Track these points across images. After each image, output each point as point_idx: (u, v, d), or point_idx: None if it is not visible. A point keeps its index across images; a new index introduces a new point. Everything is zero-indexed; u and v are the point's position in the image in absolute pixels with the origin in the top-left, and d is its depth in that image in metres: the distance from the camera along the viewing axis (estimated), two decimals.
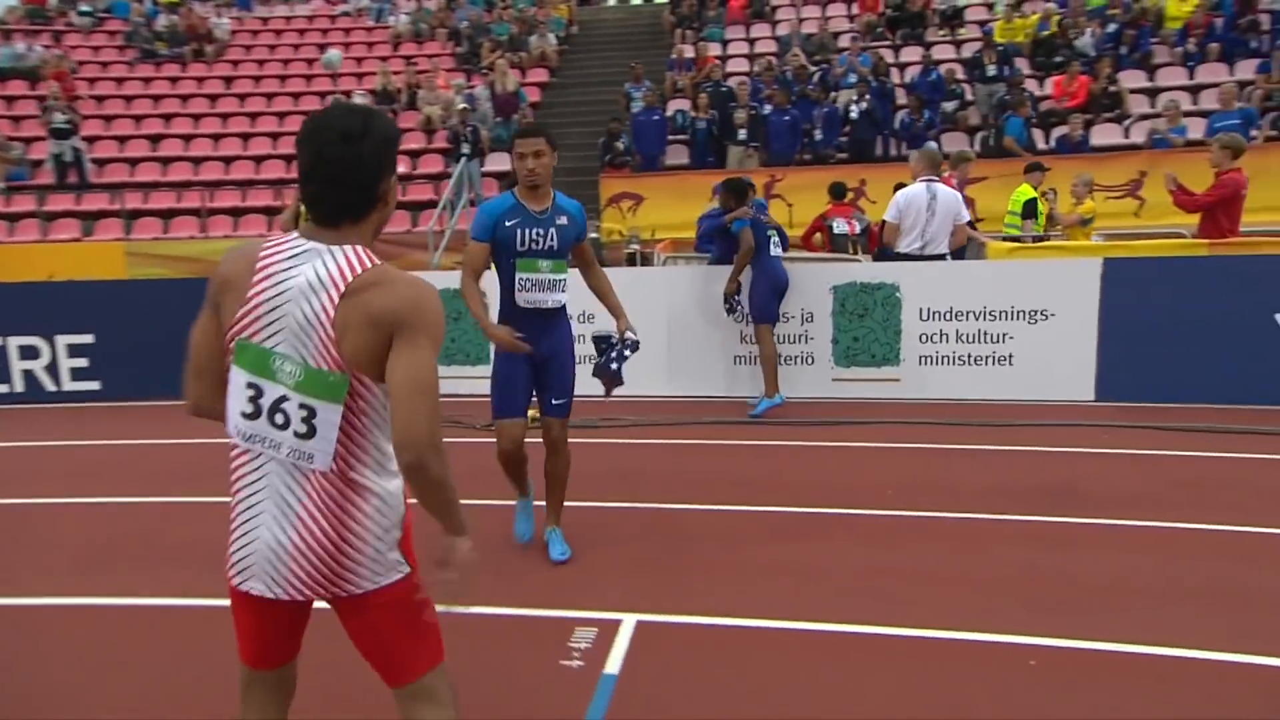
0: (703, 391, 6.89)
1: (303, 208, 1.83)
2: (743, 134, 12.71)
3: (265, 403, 1.75)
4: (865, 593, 3.40)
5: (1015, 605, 3.24)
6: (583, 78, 17.07)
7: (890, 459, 5.18)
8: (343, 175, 1.71)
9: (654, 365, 6.96)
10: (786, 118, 12.58)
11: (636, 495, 4.59)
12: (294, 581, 1.76)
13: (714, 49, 16.23)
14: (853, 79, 13.67)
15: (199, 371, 1.86)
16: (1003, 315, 6.25)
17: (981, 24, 16.11)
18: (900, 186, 6.81)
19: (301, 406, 1.73)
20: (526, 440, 3.78)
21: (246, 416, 1.77)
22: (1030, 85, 13.39)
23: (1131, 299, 5.94)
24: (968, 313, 6.32)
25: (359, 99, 15.55)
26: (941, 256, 6.40)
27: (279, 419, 1.74)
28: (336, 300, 1.69)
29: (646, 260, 11.70)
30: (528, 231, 3.60)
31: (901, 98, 13.30)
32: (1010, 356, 6.26)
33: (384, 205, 1.79)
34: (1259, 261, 6.04)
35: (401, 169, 14.08)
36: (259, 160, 15.31)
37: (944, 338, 6.41)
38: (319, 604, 1.85)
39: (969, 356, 6.36)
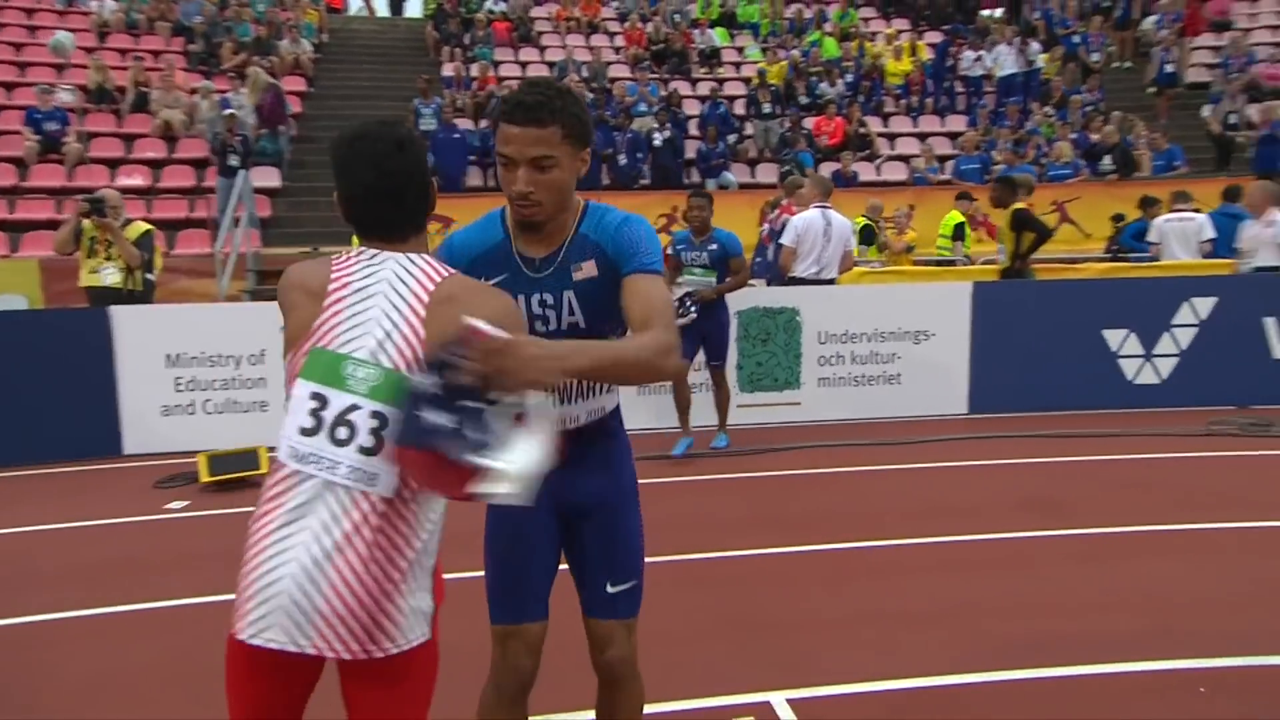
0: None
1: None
2: None
3: (329, 415, 1.58)
4: (995, 633, 3.34)
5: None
6: (342, 89, 15.80)
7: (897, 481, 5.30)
8: (407, 185, 1.67)
9: None
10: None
11: (668, 545, 4.21)
12: (326, 632, 1.51)
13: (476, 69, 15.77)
14: (643, 107, 14.08)
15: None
16: (891, 336, 6.72)
17: (736, 65, 17.44)
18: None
19: (373, 415, 1.56)
20: None
21: (304, 432, 1.58)
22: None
23: (996, 319, 6.68)
24: (861, 335, 6.69)
25: (65, 95, 13.05)
26: (832, 281, 6.73)
27: (341, 433, 1.56)
28: (426, 304, 1.62)
29: None
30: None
31: (692, 128, 13.93)
32: (899, 375, 6.73)
33: (424, 230, 1.74)
34: (1088, 285, 7.12)
35: (139, 180, 12.01)
36: None
37: (840, 360, 6.72)
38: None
39: (863, 377, 6.74)
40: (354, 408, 1.57)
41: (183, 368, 6.24)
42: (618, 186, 12.73)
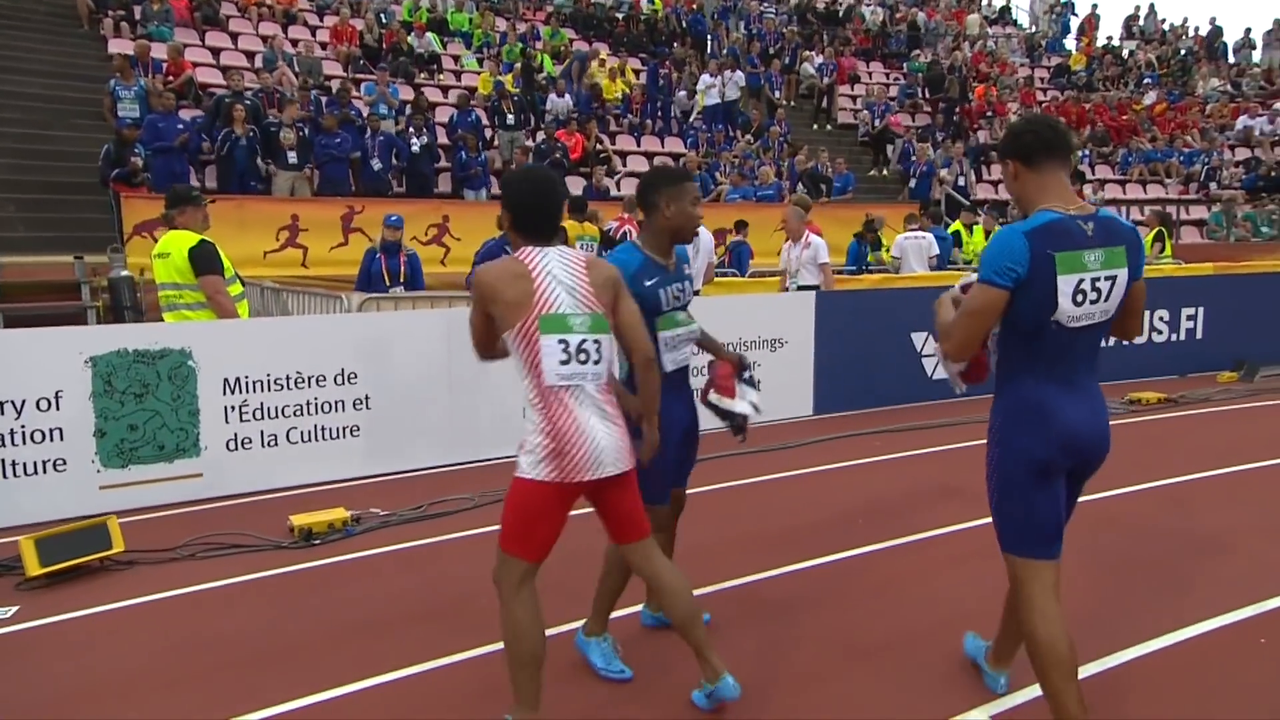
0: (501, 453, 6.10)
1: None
2: (291, 156, 11.07)
3: (573, 349, 2.58)
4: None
5: None
6: None
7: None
8: (548, 211, 2.72)
9: (432, 431, 5.89)
10: (338, 140, 11.42)
11: (732, 568, 4.01)
12: (622, 456, 2.63)
13: (159, 50, 13.49)
14: (383, 109, 13.10)
15: (487, 344, 2.75)
16: (752, 344, 7.08)
17: (456, 73, 16.98)
18: None
19: (595, 341, 2.61)
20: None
21: (563, 363, 2.57)
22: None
23: (832, 326, 7.37)
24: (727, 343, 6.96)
25: None
26: (697, 293, 6.92)
27: (582, 356, 2.59)
28: (586, 273, 2.67)
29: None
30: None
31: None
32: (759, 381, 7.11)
33: (561, 231, 2.91)
34: (899, 293, 8.15)
35: None
36: None
37: None
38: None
39: None
40: (585, 339, 2.60)
41: None
42: (369, 192, 11.70)
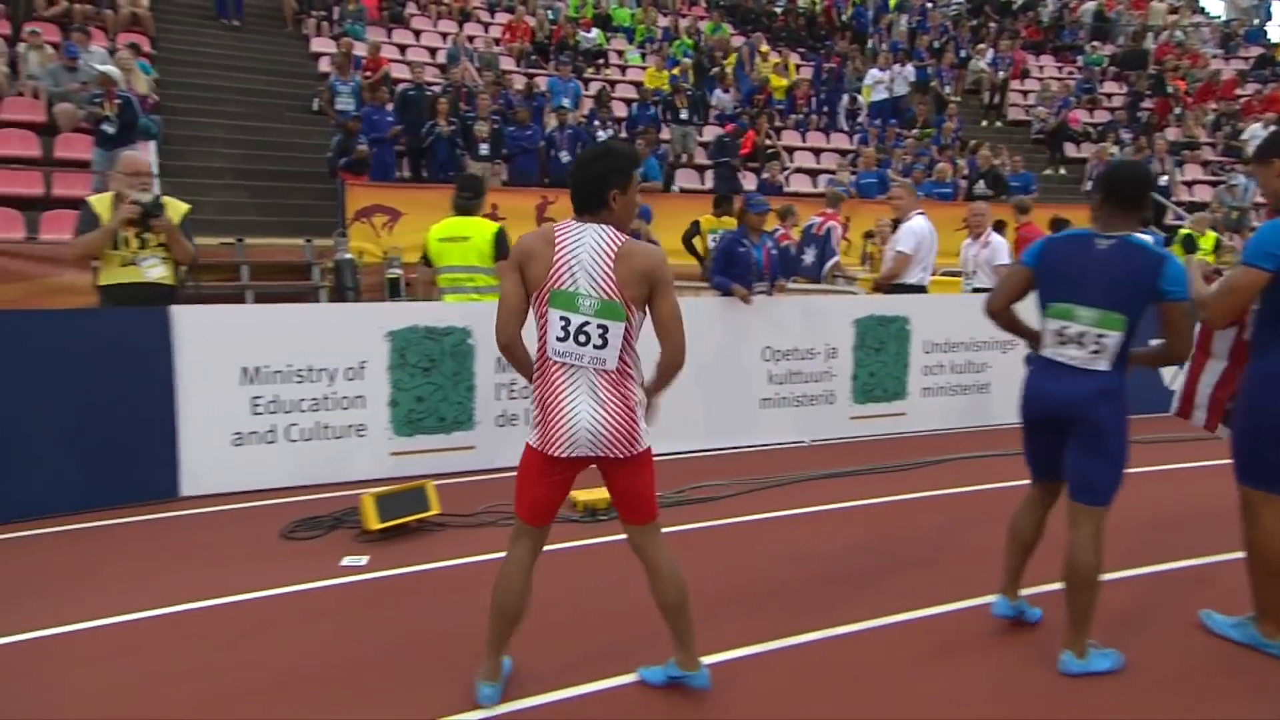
0: (737, 441, 6.16)
1: None
2: (484, 148, 11.50)
3: (572, 329, 2.63)
4: None
5: None
6: (191, 55, 13.53)
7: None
8: (582, 185, 2.68)
9: (684, 416, 5.98)
10: (529, 133, 11.79)
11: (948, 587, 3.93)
12: (612, 443, 2.67)
13: (359, 48, 14.26)
14: (566, 103, 13.42)
15: (511, 313, 2.71)
16: (983, 345, 6.88)
17: (622, 68, 17.23)
18: None
19: (599, 326, 2.62)
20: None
21: (560, 339, 2.64)
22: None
23: None
24: (959, 344, 6.80)
25: None
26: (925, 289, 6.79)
27: (581, 338, 2.63)
28: (614, 258, 2.61)
29: (411, 287, 9.88)
30: None
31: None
32: (988, 385, 6.92)
33: (610, 209, 2.66)
34: None
35: None
36: None
37: (942, 369, 6.78)
38: None
39: (958, 386, 6.86)
40: (586, 323, 2.62)
41: (262, 384, 4.94)
42: (556, 183, 12.00)
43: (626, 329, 2.63)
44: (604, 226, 2.64)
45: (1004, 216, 12.57)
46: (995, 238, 7.47)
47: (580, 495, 4.82)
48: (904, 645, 3.31)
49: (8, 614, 3.47)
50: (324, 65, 14.26)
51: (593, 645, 3.28)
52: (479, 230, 5.42)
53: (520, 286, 2.68)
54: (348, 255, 9.59)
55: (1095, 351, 2.99)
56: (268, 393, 4.95)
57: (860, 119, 16.94)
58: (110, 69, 9.51)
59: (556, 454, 2.66)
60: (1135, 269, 2.93)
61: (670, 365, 2.72)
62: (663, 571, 2.80)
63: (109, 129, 9.28)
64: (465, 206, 5.51)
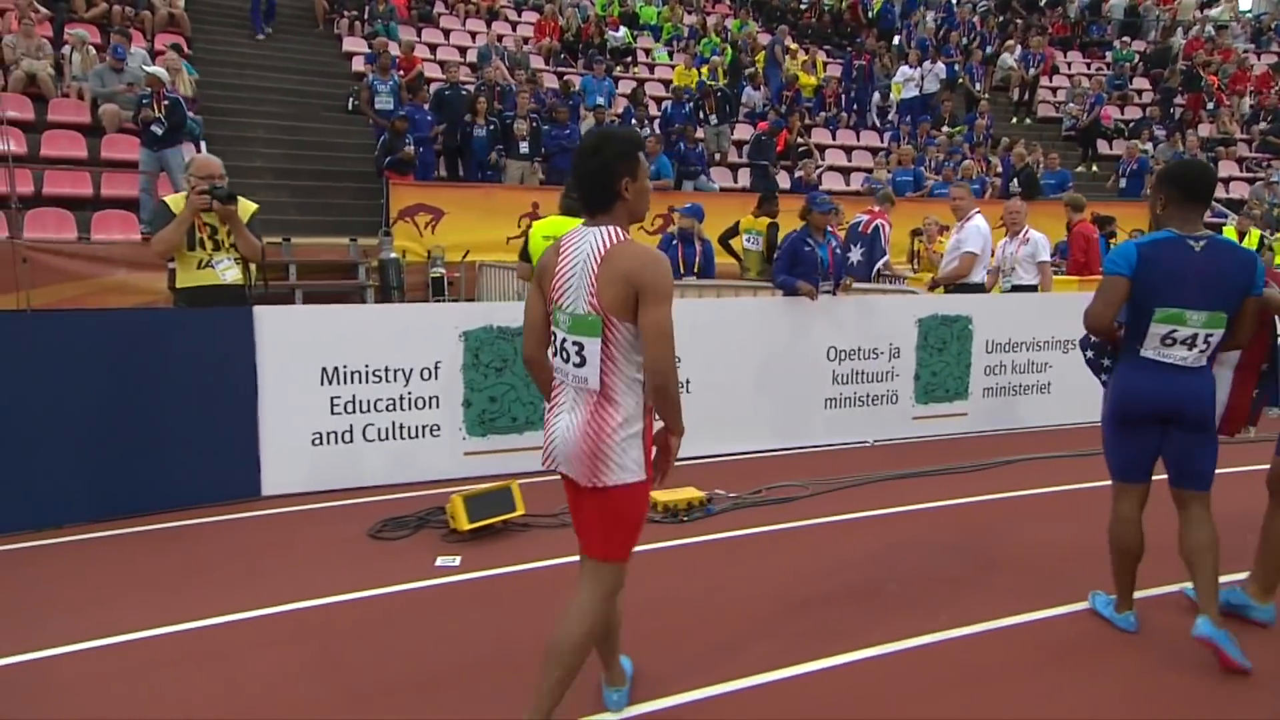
0: (801, 442, 6.13)
1: None
2: (524, 147, 11.51)
3: (558, 345, 2.49)
4: None
5: None
6: (228, 56, 13.60)
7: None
8: (586, 179, 2.43)
9: (749, 416, 5.98)
10: (567, 132, 11.79)
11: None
12: (568, 460, 2.46)
13: (393, 47, 14.29)
14: (600, 101, 13.42)
15: (531, 328, 2.59)
16: (1045, 345, 6.83)
17: (650, 66, 17.20)
18: None
19: (574, 343, 2.42)
20: None
21: (554, 356, 2.53)
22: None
23: None
24: (1021, 344, 6.76)
25: None
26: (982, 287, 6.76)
27: (564, 355, 2.46)
28: (599, 263, 2.37)
29: (453, 286, 9.92)
30: None
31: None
32: (1049, 384, 6.88)
33: (625, 201, 2.43)
34: None
35: (11, 146, 9.50)
36: None
37: (1004, 369, 6.74)
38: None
39: (1020, 386, 6.82)
40: (565, 340, 2.45)
41: (340, 385, 4.95)
42: None
43: (606, 345, 2.37)
44: (607, 228, 2.41)
45: (1038, 214, 12.56)
46: (1035, 233, 7.35)
47: (660, 496, 4.81)
48: (1022, 647, 3.29)
49: (112, 613, 3.49)
50: (358, 65, 14.32)
51: (696, 647, 3.27)
52: None
53: (541, 302, 2.55)
54: (393, 254, 9.64)
55: (1203, 351, 3.11)
56: (346, 393, 4.95)
57: (890, 116, 16.88)
58: (159, 70, 9.57)
59: (552, 466, 2.56)
60: (1234, 269, 3.07)
61: (654, 391, 2.39)
62: (570, 614, 2.49)
63: (157, 130, 9.33)
64: (572, 207, 5.45)
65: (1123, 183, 15.54)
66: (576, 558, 3.86)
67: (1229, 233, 11.57)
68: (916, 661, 3.18)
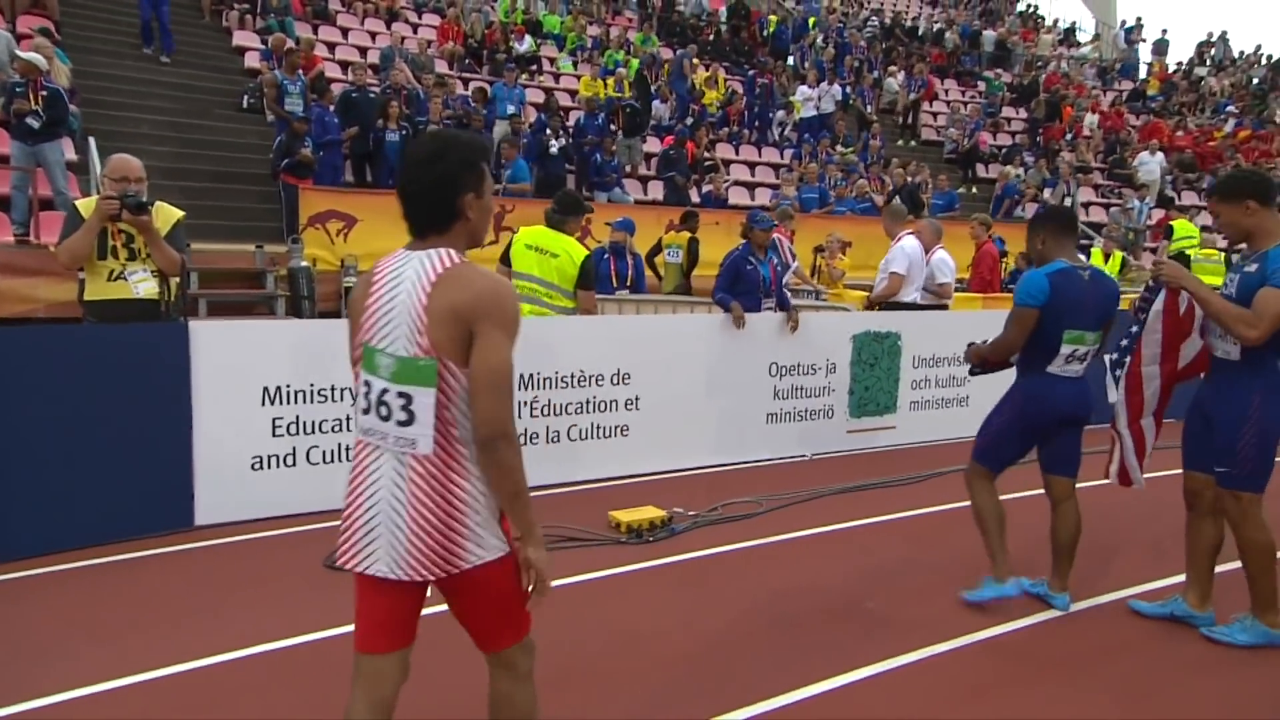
0: (743, 457, 6.21)
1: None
2: None
3: (373, 398, 1.96)
4: None
5: None
6: (102, 44, 12.64)
7: None
8: (422, 194, 1.97)
9: (695, 432, 5.99)
10: (483, 139, 11.54)
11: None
12: (412, 562, 1.92)
13: (289, 42, 13.66)
14: (511, 109, 13.23)
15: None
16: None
17: (555, 75, 17.11)
18: None
19: (400, 395, 1.92)
20: None
21: (363, 413, 2.00)
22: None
23: None
24: (945, 359, 7.08)
25: None
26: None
27: (383, 411, 1.95)
28: (428, 293, 1.90)
29: None
30: None
31: None
32: (968, 398, 7.23)
33: (466, 221, 2.00)
34: None
35: None
36: None
37: (929, 384, 7.04)
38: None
39: (944, 400, 7.14)
40: (385, 391, 1.94)
41: (283, 405, 4.64)
42: (509, 193, 11.79)
43: (441, 397, 1.90)
44: (435, 251, 1.95)
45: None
46: (939, 253, 7.50)
47: (622, 515, 4.76)
48: (1009, 658, 3.43)
49: (51, 668, 3.13)
50: (250, 60, 13.58)
51: (682, 676, 3.24)
52: (569, 251, 5.28)
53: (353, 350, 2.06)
54: (303, 263, 9.15)
55: (1086, 364, 3.77)
56: (289, 413, 4.66)
57: (788, 133, 17.42)
58: (34, 57, 8.73)
59: (348, 565, 1.99)
60: (1109, 296, 3.74)
61: (483, 456, 1.91)
62: (501, 713, 2.15)
63: (34, 123, 8.52)
64: (556, 221, 5.37)
65: (994, 207, 16.60)
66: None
67: (1096, 255, 12.50)
68: (911, 679, 3.26)
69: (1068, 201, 16.39)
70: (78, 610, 3.63)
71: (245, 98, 12.46)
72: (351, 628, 2.09)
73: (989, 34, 24.21)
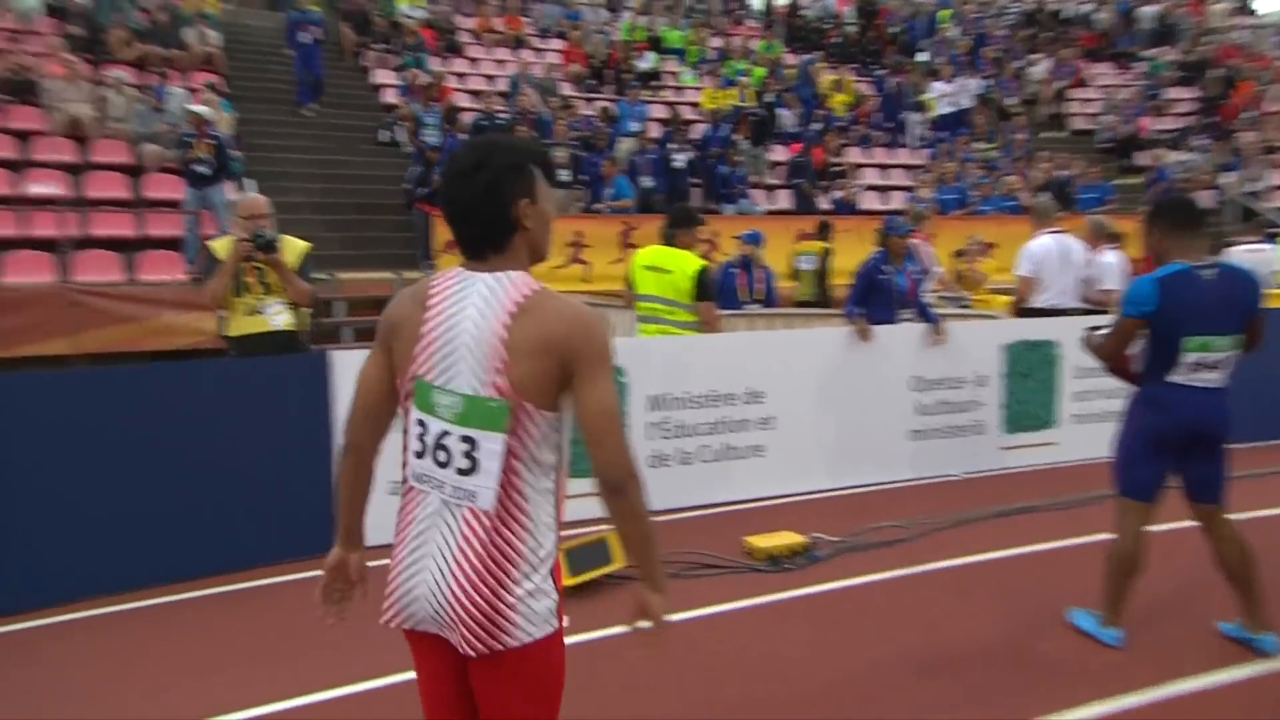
0: (885, 477, 5.85)
1: None
2: (564, 175, 11.36)
3: (430, 440, 1.74)
4: None
5: None
6: (262, 91, 13.57)
7: None
8: (471, 209, 1.73)
9: (834, 451, 5.70)
10: (605, 160, 11.65)
11: None
12: (453, 620, 1.70)
13: (423, 78, 14.23)
14: (635, 126, 13.29)
15: (368, 411, 1.87)
16: None
17: (678, 89, 17.09)
18: None
19: (463, 439, 1.70)
20: None
21: (416, 455, 1.77)
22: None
23: None
24: None
25: None
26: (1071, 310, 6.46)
27: (441, 456, 1.73)
28: (508, 323, 1.67)
29: None
30: None
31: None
32: None
33: (525, 231, 1.76)
34: None
35: (55, 189, 9.42)
36: None
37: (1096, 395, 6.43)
38: None
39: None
40: (446, 433, 1.71)
41: None
42: (639, 209, 11.81)
43: (513, 444, 1.69)
44: (505, 275, 1.73)
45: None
46: (1108, 255, 6.72)
47: (757, 541, 4.54)
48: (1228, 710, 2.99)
49: (210, 688, 3.25)
50: (388, 96, 14.28)
51: None
52: (681, 265, 5.21)
53: (383, 369, 1.84)
54: None
55: (1226, 371, 3.34)
56: None
57: (923, 133, 16.67)
58: (202, 109, 9.48)
59: (391, 621, 1.80)
60: (1241, 294, 3.31)
61: (613, 505, 1.71)
62: None
63: (204, 170, 9.22)
64: (669, 236, 5.37)
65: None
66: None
67: None
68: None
69: (1251, 186, 14.83)
70: (230, 633, 3.77)
71: (382, 132, 13.08)
72: None
73: (1147, 10, 22.38)
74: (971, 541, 4.71)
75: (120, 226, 9.46)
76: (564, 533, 4.16)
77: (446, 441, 1.71)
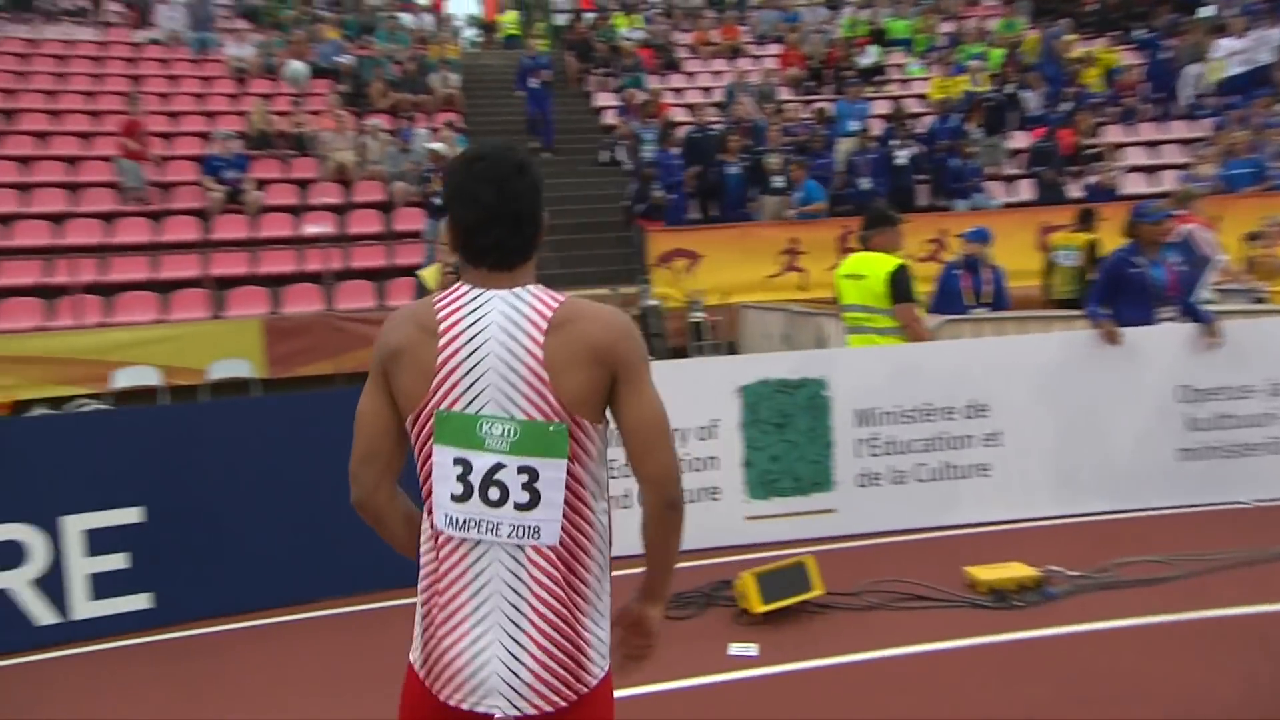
0: (1146, 503, 5.03)
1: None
2: (778, 181, 11.11)
3: (476, 478, 1.54)
4: None
5: None
6: (494, 124, 14.55)
7: None
8: (526, 210, 1.59)
9: (1075, 472, 5.01)
10: (824, 161, 11.26)
11: None
12: (540, 690, 1.52)
13: (640, 97, 14.49)
14: (854, 125, 12.74)
15: (368, 456, 1.65)
16: None
17: (904, 82, 16.15)
18: None
19: (521, 471, 1.54)
20: None
21: (456, 499, 1.56)
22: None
23: None
24: None
25: (227, 140, 11.77)
26: None
27: (494, 494, 1.54)
28: (542, 340, 1.54)
29: (715, 331, 9.65)
30: None
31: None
32: None
33: (539, 246, 1.66)
34: None
35: (326, 228, 10.63)
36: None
37: None
38: None
39: None
40: (499, 466, 1.53)
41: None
42: (858, 211, 11.25)
43: (573, 468, 1.54)
44: (525, 290, 1.59)
45: None
46: None
47: (980, 573, 4.05)
48: None
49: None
50: (608, 118, 14.80)
51: None
52: (874, 268, 4.98)
53: (385, 406, 1.63)
54: (653, 301, 9.59)
55: None
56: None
57: (1202, 101, 14.43)
58: (439, 146, 10.35)
59: (449, 700, 1.55)
60: None
61: (662, 519, 1.60)
62: None
63: (441, 201, 10.06)
64: (864, 239, 5.18)
65: None
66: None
67: None
68: None
69: None
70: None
71: (602, 152, 13.56)
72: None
73: None
74: (1252, 585, 3.89)
75: (374, 258, 10.53)
76: (751, 556, 4.04)
77: (501, 476, 1.53)
